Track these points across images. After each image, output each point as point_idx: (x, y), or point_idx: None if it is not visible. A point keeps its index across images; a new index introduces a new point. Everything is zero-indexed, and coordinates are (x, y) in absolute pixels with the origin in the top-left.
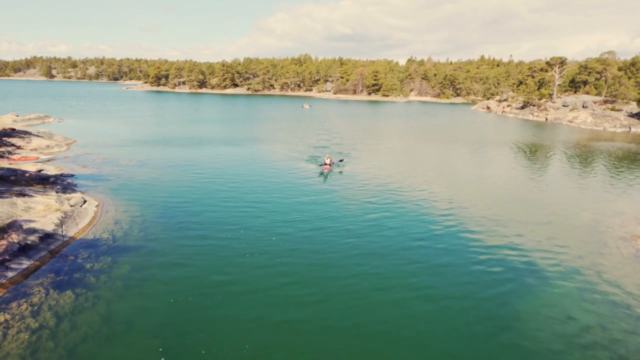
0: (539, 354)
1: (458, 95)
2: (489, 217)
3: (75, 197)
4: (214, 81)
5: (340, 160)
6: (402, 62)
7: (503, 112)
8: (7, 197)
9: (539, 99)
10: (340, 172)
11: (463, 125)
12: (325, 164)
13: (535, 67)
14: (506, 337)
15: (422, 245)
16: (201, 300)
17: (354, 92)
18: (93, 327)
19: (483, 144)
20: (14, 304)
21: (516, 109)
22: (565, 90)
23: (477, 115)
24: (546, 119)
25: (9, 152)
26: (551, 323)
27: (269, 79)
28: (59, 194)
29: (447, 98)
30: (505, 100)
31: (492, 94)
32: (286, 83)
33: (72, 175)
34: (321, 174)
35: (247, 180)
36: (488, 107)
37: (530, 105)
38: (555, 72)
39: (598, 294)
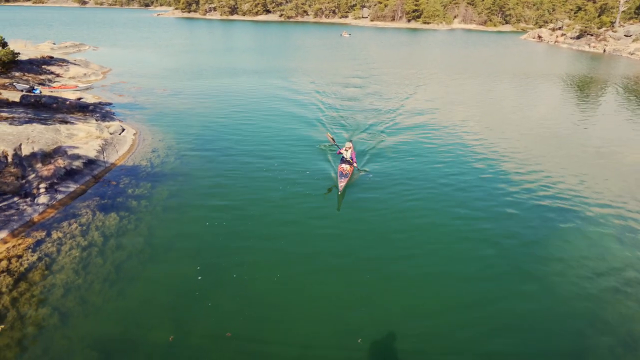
0: (569, 293)
1: (507, 22)
2: (531, 157)
3: (114, 125)
4: (245, 7)
5: (365, 171)
6: None
7: (556, 42)
8: (51, 124)
9: (598, 28)
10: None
11: (510, 56)
12: (344, 162)
13: None
14: (538, 276)
15: (458, 186)
16: (235, 227)
17: (393, 19)
18: (136, 247)
19: (530, 78)
20: (64, 224)
21: (571, 38)
22: (630, 18)
23: (526, 46)
24: (604, 51)
25: (49, 80)
26: (585, 264)
27: (302, 4)
28: (99, 121)
29: (495, 26)
30: (559, 28)
31: (546, 22)
32: (320, 9)
33: (109, 104)
34: (332, 188)
35: (283, 115)
36: (539, 37)
37: (588, 34)
38: None
39: (637, 238)
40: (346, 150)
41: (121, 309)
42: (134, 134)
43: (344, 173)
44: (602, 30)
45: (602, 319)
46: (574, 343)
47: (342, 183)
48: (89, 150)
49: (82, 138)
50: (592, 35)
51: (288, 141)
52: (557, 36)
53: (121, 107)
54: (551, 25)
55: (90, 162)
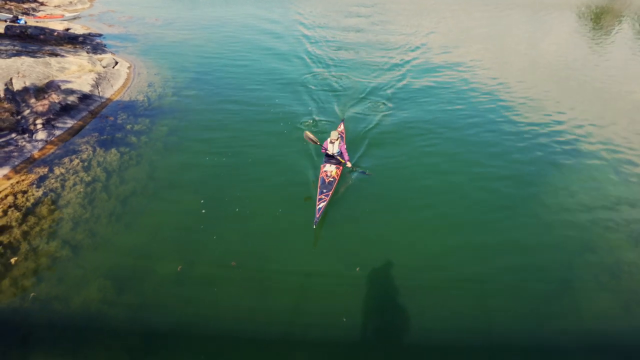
0: (562, 224)
1: None
2: (534, 91)
3: (107, 57)
4: None
5: (362, 172)
6: None
7: None
8: (40, 57)
9: None
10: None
11: None
12: (328, 161)
13: None
14: (532, 206)
15: (459, 120)
16: (236, 162)
17: None
18: (140, 183)
19: (541, 8)
20: (66, 160)
21: None
22: None
23: None
24: None
25: (33, 9)
26: (579, 197)
27: None
28: (90, 54)
29: None
30: None
31: None
32: None
33: (100, 35)
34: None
35: (281, 46)
36: None
37: None
38: None
39: (634, 174)
40: (332, 143)
41: (130, 242)
42: (128, 68)
43: (326, 181)
44: None
45: (591, 250)
46: (563, 272)
47: (322, 203)
48: (83, 84)
49: (75, 72)
50: None
51: (288, 75)
52: None
53: (112, 38)
54: None
55: (85, 97)
